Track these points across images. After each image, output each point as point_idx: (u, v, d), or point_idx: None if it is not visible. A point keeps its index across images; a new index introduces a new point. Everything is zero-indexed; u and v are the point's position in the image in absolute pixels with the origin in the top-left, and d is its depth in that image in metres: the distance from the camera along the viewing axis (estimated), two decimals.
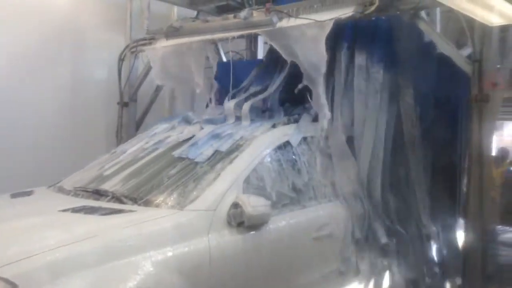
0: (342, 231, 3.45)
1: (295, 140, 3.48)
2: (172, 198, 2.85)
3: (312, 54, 3.53)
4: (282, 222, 3.02)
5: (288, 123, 3.66)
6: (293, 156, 3.42)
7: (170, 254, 2.44)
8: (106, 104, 5.57)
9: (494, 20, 3.20)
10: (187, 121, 3.99)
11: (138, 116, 5.52)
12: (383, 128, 3.68)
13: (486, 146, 3.38)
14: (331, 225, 3.35)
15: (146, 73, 5.34)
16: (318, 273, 3.26)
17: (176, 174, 3.10)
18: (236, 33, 3.96)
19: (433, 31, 3.48)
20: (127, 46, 5.31)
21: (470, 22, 3.28)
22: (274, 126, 3.53)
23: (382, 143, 3.67)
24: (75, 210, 2.73)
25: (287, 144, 3.42)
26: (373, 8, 3.33)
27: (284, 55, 3.76)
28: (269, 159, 3.23)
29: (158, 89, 5.41)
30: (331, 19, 3.43)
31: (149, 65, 5.20)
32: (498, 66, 3.45)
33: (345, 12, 3.43)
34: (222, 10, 5.81)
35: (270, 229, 2.90)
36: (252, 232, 2.80)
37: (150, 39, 4.93)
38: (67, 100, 5.30)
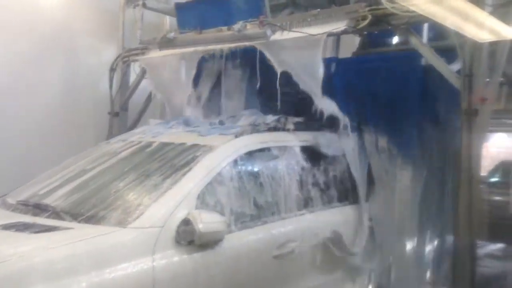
0: (308, 245, 3.26)
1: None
2: (115, 214, 2.60)
3: (308, 67, 3.58)
4: (239, 240, 2.82)
5: (252, 132, 3.40)
6: (256, 168, 3.23)
7: (107, 276, 2.23)
8: (97, 114, 5.56)
9: (484, 36, 3.27)
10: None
11: (129, 125, 5.51)
12: None
13: (476, 160, 3.43)
14: (296, 242, 3.15)
15: (138, 83, 5.35)
16: None
17: (124, 187, 2.88)
18: (229, 45, 3.98)
19: (424, 46, 3.54)
20: (119, 56, 5.31)
21: (460, 37, 3.34)
22: (236, 135, 3.28)
23: None
24: (6, 227, 2.49)
25: (249, 155, 3.20)
26: (365, 22, 3.38)
27: (276, 66, 3.78)
28: (227, 172, 2.98)
29: (149, 98, 5.41)
30: (324, 33, 3.48)
31: (141, 75, 5.21)
32: (487, 79, 3.52)
33: (338, 27, 3.48)
34: None
35: (225, 248, 2.68)
36: (204, 251, 2.59)
37: (143, 49, 4.94)
38: (57, 109, 5.28)
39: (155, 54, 4.65)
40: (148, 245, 2.43)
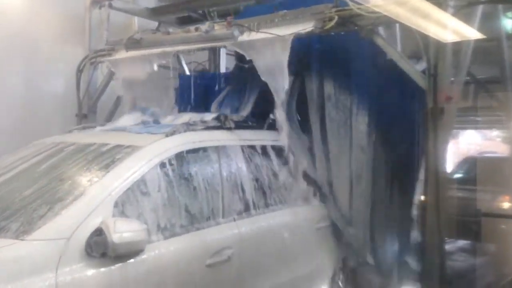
0: (248, 252, 3.05)
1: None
2: (16, 225, 2.31)
3: (274, 67, 3.58)
4: (166, 249, 2.58)
5: (186, 131, 3.14)
6: (188, 171, 2.94)
7: None
8: (64, 116, 5.42)
9: (448, 36, 3.33)
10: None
11: None
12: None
13: (442, 158, 3.49)
14: (231, 248, 2.91)
15: (106, 84, 5.26)
16: None
17: (32, 194, 2.56)
18: (197, 46, 3.95)
19: (389, 47, 3.57)
20: (86, 57, 5.21)
21: (425, 38, 3.38)
22: (167, 135, 3.01)
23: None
24: None
25: (181, 156, 2.93)
26: (332, 23, 3.40)
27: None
28: (153, 175, 2.70)
29: (118, 100, 5.31)
30: (291, 33, 3.48)
31: (108, 76, 5.12)
32: (452, 79, 3.58)
33: (305, 27, 3.48)
34: (183, 21, 5.83)
35: (148, 259, 2.45)
36: (121, 264, 2.34)
37: (110, 50, 4.85)
38: (22, 113, 5.12)
39: (122, 55, 4.57)
40: (50, 259, 2.16)
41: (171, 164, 2.83)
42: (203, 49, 4.09)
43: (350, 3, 3.22)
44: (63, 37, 5.45)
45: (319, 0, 3.64)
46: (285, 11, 3.66)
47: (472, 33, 3.49)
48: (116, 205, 2.45)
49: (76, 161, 2.86)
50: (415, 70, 3.53)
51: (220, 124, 3.40)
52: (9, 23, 5.00)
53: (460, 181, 6.67)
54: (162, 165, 2.78)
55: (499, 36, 4.90)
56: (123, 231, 2.27)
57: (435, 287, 3.43)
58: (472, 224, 5.36)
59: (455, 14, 3.24)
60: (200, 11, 5.56)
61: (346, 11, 3.37)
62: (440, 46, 3.36)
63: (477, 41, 3.79)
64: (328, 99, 3.86)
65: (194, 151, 3.03)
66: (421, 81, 3.46)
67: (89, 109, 5.32)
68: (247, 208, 3.17)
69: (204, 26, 3.82)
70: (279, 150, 3.68)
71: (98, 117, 5.41)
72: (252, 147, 3.47)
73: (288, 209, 3.53)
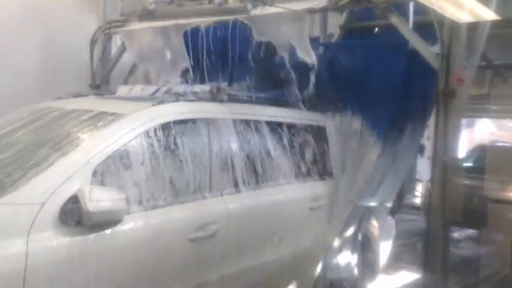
0: (235, 228, 2.96)
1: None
2: None
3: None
4: (146, 221, 2.50)
5: (175, 101, 3.02)
6: (175, 142, 2.82)
7: None
8: (79, 86, 5.45)
9: (463, 16, 3.26)
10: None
11: None
12: None
13: (451, 142, 3.45)
14: (217, 224, 2.83)
15: (119, 55, 5.28)
16: (194, 281, 2.76)
17: (7, 159, 2.49)
18: (210, 19, 3.93)
19: (404, 25, 3.52)
20: (100, 28, 5.22)
21: (440, 18, 3.33)
22: (154, 103, 2.89)
23: None
24: None
25: (167, 126, 2.80)
26: (346, 0, 3.35)
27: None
28: (137, 144, 2.60)
29: (131, 71, 5.35)
30: (305, 8, 3.46)
31: (122, 47, 5.14)
32: (465, 64, 3.52)
33: (319, 2, 3.45)
34: None
35: (126, 229, 2.37)
36: (97, 233, 2.26)
37: (124, 21, 4.86)
38: (36, 82, 5.16)
39: (136, 26, 4.58)
40: (21, 224, 2.08)
41: (156, 134, 2.72)
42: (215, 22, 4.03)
43: None
44: (79, 7, 5.47)
45: None
46: None
47: (488, 15, 3.41)
48: (94, 173, 2.36)
49: (57, 127, 2.78)
50: (428, 50, 3.48)
51: (212, 96, 3.28)
52: None
53: (469, 169, 6.59)
54: (147, 134, 2.67)
55: None
56: (99, 199, 2.19)
57: (438, 274, 3.44)
58: (478, 212, 5.33)
59: None
60: None
61: None
62: (455, 26, 3.31)
63: (495, 26, 3.71)
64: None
65: (182, 122, 2.90)
66: (434, 62, 3.41)
67: (102, 80, 5.37)
68: (236, 184, 3.07)
69: None
70: (275, 126, 3.57)
71: (111, 87, 5.45)
72: (246, 121, 3.33)
73: (279, 186, 3.41)
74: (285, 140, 3.59)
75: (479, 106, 8.06)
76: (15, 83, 4.96)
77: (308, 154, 3.77)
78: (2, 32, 4.83)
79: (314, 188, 3.71)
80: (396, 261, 4.96)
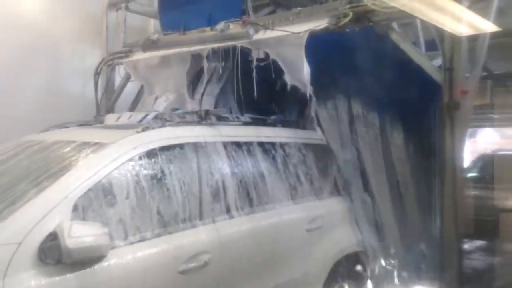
0: (228, 257, 2.83)
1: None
2: None
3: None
4: (132, 255, 2.38)
5: (161, 126, 2.92)
6: (161, 169, 2.71)
7: None
8: (84, 117, 5.51)
9: (463, 30, 3.31)
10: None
11: None
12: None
13: (459, 153, 3.47)
14: (209, 253, 2.69)
15: (123, 86, 5.34)
16: None
17: None
18: (213, 45, 3.99)
19: (405, 42, 3.57)
20: (103, 59, 5.30)
21: (440, 32, 3.38)
22: (139, 130, 2.78)
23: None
24: None
25: (153, 153, 2.70)
26: (346, 20, 3.41)
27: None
28: (120, 174, 2.50)
29: (136, 101, 5.40)
30: (306, 31, 3.50)
31: (126, 78, 5.21)
32: (467, 75, 3.56)
33: (320, 24, 3.50)
34: None
35: (111, 266, 2.26)
36: (80, 271, 2.16)
37: (127, 52, 4.94)
38: (41, 114, 5.20)
39: (139, 56, 4.65)
40: None
41: (141, 163, 2.62)
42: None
43: None
44: (82, 39, 5.57)
45: None
46: (299, 8, 3.69)
47: (487, 26, 3.47)
48: (75, 207, 2.26)
49: (37, 161, 2.70)
50: (430, 64, 3.52)
51: (201, 119, 3.17)
52: (31, 25, 5.13)
53: (473, 179, 6.57)
54: (131, 163, 2.57)
55: None
56: (80, 235, 2.10)
57: (453, 286, 3.42)
58: (489, 222, 5.30)
59: (470, 7, 3.23)
60: None
61: (360, 7, 3.39)
62: (455, 39, 3.35)
63: (494, 36, 3.76)
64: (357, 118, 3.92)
65: (169, 148, 2.80)
66: (437, 76, 3.45)
67: (107, 111, 5.40)
68: (228, 210, 2.95)
69: (219, 26, 3.88)
70: (268, 147, 3.47)
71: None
72: (237, 143, 3.24)
73: (274, 209, 3.28)
74: (279, 161, 3.50)
75: (481, 116, 8.10)
76: (21, 111, 5.01)
77: (305, 173, 3.67)
78: (11, 61, 4.92)
79: (311, 208, 3.58)
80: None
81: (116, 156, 2.54)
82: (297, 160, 3.65)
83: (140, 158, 2.63)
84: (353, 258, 3.79)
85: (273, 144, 3.51)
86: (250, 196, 3.14)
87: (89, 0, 5.54)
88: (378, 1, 3.20)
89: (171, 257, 2.56)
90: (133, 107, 5.45)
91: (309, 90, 3.65)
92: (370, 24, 3.47)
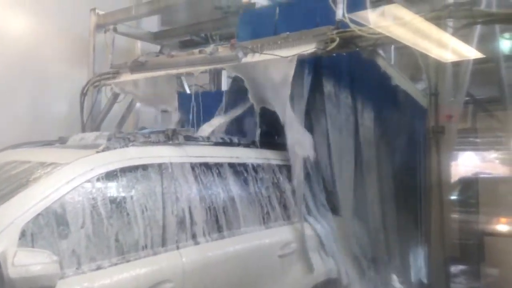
0: (192, 286, 2.64)
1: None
2: None
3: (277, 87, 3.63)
4: (85, 285, 2.20)
5: (123, 146, 2.74)
6: (120, 192, 2.53)
7: None
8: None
9: (448, 56, 3.40)
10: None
11: None
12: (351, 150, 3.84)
13: (445, 175, 3.52)
14: (171, 282, 2.52)
15: (110, 107, 5.31)
16: None
17: None
18: (202, 68, 4.01)
19: (391, 66, 3.65)
20: (89, 80, 5.27)
21: (425, 58, 3.46)
22: (99, 150, 2.62)
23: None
24: None
25: (112, 175, 2.52)
26: (334, 45, 3.45)
27: (249, 88, 3.83)
28: (74, 198, 2.32)
29: (121, 122, 5.37)
30: (294, 55, 3.54)
31: (112, 99, 5.19)
32: (452, 99, 3.65)
33: (308, 48, 3.55)
34: (185, 45, 5.93)
35: None
36: None
37: (114, 73, 4.92)
38: (27, 135, 5.14)
39: (126, 78, 4.64)
40: None
41: (99, 185, 2.44)
42: (205, 71, 4.12)
43: (351, 25, 3.30)
44: (68, 61, 5.56)
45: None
46: (288, 33, 3.74)
47: (470, 53, 3.57)
48: (23, 233, 2.10)
49: None
50: (416, 89, 3.60)
51: (168, 138, 2.99)
52: (18, 46, 5.14)
53: (456, 202, 6.62)
54: (87, 186, 2.40)
55: (497, 57, 5.01)
56: (25, 263, 1.95)
57: None
58: (474, 246, 5.33)
59: (453, 35, 3.32)
60: (203, 35, 5.68)
61: (347, 33, 3.43)
62: (440, 65, 3.44)
63: (476, 62, 3.88)
64: (329, 98, 3.87)
65: (131, 169, 2.62)
66: (422, 100, 3.52)
67: (93, 131, 5.35)
68: (194, 236, 2.77)
69: (208, 49, 3.91)
70: (240, 168, 3.32)
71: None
72: (205, 164, 3.06)
73: (245, 234, 3.10)
74: (251, 183, 3.34)
75: (462, 140, 8.25)
76: (6, 131, 4.93)
77: (278, 196, 3.51)
78: None
79: (284, 233, 3.39)
80: None
81: (70, 178, 2.36)
82: (270, 182, 3.50)
83: (98, 180, 2.45)
84: (329, 285, 3.58)
85: (244, 165, 3.35)
86: (219, 220, 2.97)
87: (76, 21, 5.53)
88: (365, 27, 3.26)
89: (129, 286, 2.38)
90: (119, 127, 5.41)
91: (288, 115, 3.61)
92: (357, 49, 3.53)
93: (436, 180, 3.53)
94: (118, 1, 5.56)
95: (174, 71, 4.22)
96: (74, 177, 2.38)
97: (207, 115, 4.08)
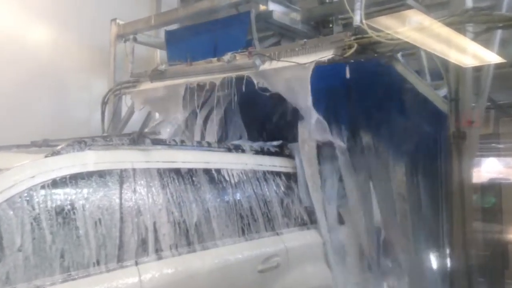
0: None
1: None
2: None
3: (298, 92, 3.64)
4: None
5: (78, 150, 2.44)
6: (69, 202, 2.26)
7: None
8: None
9: (468, 61, 3.36)
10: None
11: None
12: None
13: (467, 182, 3.46)
14: None
15: (130, 115, 5.37)
16: None
17: None
18: (219, 76, 4.03)
19: (410, 73, 3.61)
20: (110, 89, 5.36)
21: (445, 63, 3.42)
22: (48, 154, 2.35)
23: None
24: None
25: (60, 182, 2.25)
26: (352, 51, 3.44)
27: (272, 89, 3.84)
28: (11, 208, 2.06)
29: (142, 129, 5.42)
30: (312, 61, 3.54)
31: (132, 107, 5.25)
32: (473, 104, 3.59)
33: (325, 55, 3.54)
34: None
35: None
36: None
37: (134, 82, 4.99)
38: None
39: (146, 86, 4.70)
40: None
41: (43, 194, 2.18)
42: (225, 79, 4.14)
43: (369, 31, 3.28)
44: (90, 70, 5.68)
45: None
46: (305, 40, 3.75)
47: (491, 58, 3.51)
48: None
49: None
50: (436, 95, 3.55)
51: (133, 142, 2.70)
52: (40, 56, 5.24)
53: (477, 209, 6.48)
54: (29, 194, 2.13)
55: None
56: None
57: None
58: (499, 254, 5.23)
59: (474, 39, 3.28)
60: None
61: (365, 39, 3.42)
62: (460, 70, 3.39)
63: (498, 66, 3.81)
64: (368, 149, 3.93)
65: (84, 176, 2.36)
66: (443, 106, 3.48)
67: None
68: (157, 249, 2.49)
69: (226, 56, 3.92)
70: (217, 174, 3.05)
71: None
72: (176, 170, 2.79)
73: (220, 247, 2.82)
74: (230, 191, 3.07)
75: (485, 146, 8.11)
76: (31, 139, 5.03)
77: (260, 205, 3.25)
78: (19, 90, 4.99)
79: (266, 245, 3.12)
80: None
81: (6, 187, 2.08)
82: (252, 190, 3.24)
83: (43, 188, 2.18)
84: None
85: (220, 171, 3.07)
86: (189, 232, 2.68)
87: (97, 31, 5.63)
88: (383, 32, 3.24)
89: None
90: None
91: (314, 117, 3.61)
92: (375, 55, 3.51)
93: (458, 187, 3.47)
94: (138, 11, 5.65)
95: (193, 79, 4.25)
96: (11, 186, 2.10)
97: None
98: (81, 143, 2.47)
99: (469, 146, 3.46)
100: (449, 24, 3.06)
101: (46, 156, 2.32)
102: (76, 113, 5.67)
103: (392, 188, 3.91)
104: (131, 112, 5.32)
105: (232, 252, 2.88)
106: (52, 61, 5.34)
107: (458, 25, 3.13)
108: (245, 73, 3.87)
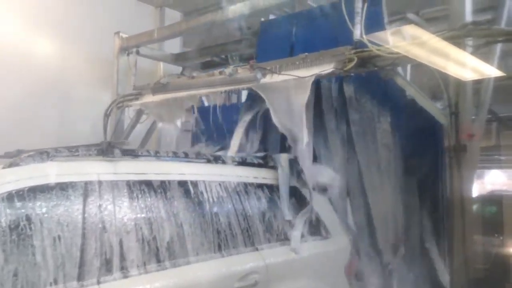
0: None
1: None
2: None
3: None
4: None
5: (41, 161, 2.33)
6: (25, 217, 2.11)
7: None
8: None
9: (468, 75, 3.38)
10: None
11: None
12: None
13: (467, 194, 3.46)
14: None
15: (133, 127, 5.41)
16: None
17: None
18: (221, 89, 4.07)
19: (410, 86, 3.63)
20: (113, 101, 5.39)
21: (444, 76, 3.44)
22: (5, 166, 2.26)
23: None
24: None
25: (17, 196, 2.12)
26: (352, 64, 3.47)
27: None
28: None
29: (144, 142, 5.46)
30: (312, 75, 3.57)
31: (134, 120, 5.29)
32: (473, 117, 3.60)
33: (326, 69, 3.57)
34: (206, 66, 6.04)
35: None
36: None
37: (137, 94, 5.03)
38: None
39: (148, 99, 4.74)
40: None
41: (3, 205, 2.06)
42: (226, 91, 4.19)
43: (369, 45, 3.31)
44: (93, 82, 5.74)
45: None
46: (306, 54, 3.78)
47: (491, 71, 3.54)
48: None
49: None
50: (436, 108, 3.56)
51: (101, 152, 2.56)
52: (44, 68, 5.33)
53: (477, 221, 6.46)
54: None
55: None
56: None
57: None
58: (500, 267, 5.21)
59: (473, 53, 3.31)
60: (223, 56, 5.77)
61: (365, 53, 3.44)
62: (460, 84, 3.41)
63: (498, 79, 3.83)
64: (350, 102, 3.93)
65: (44, 189, 2.21)
66: (443, 119, 3.49)
67: None
68: (123, 267, 2.35)
69: (227, 70, 3.96)
70: (191, 187, 2.88)
71: None
72: (147, 183, 2.64)
73: (192, 264, 2.65)
74: (206, 205, 2.90)
75: (486, 158, 8.12)
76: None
77: (239, 219, 3.08)
78: (23, 102, 5.08)
79: (244, 261, 2.93)
80: None
81: None
82: (230, 203, 3.07)
83: (3, 200, 2.07)
84: None
85: (196, 183, 2.91)
86: (159, 249, 2.52)
87: (100, 44, 5.70)
88: (383, 46, 3.27)
89: None
90: (142, 147, 5.50)
91: (305, 136, 3.60)
92: (375, 68, 3.54)
93: (459, 199, 3.47)
94: (141, 24, 5.71)
95: (194, 92, 4.29)
96: None
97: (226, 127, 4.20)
98: (43, 153, 2.34)
99: (470, 159, 3.47)
100: (447, 39, 3.09)
101: (3, 168, 2.21)
102: (80, 124, 5.72)
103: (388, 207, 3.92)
104: (133, 124, 5.36)
105: (206, 269, 2.71)
106: (57, 73, 5.43)
107: (457, 39, 3.16)
108: (246, 86, 3.91)
